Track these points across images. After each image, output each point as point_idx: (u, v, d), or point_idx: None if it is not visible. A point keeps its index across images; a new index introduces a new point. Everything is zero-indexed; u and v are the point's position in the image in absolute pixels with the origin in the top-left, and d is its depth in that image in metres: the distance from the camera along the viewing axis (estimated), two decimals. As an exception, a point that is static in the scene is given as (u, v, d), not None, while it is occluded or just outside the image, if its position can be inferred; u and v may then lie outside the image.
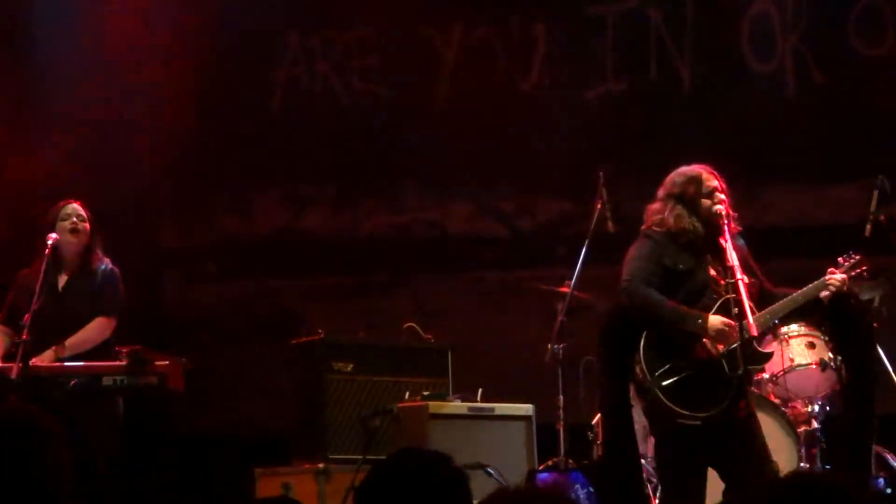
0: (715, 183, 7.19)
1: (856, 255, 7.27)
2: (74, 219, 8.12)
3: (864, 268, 7.27)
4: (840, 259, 7.27)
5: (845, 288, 7.19)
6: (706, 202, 7.14)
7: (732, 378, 6.98)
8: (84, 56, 10.80)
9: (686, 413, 6.99)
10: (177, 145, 11.03)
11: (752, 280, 7.09)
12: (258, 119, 11.42)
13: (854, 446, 6.50)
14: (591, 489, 7.58)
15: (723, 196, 7.16)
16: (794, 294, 7.16)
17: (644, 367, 7.02)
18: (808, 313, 7.74)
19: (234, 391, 11.04)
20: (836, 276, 7.14)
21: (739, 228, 7.26)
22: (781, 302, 7.15)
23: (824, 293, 7.13)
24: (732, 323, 6.99)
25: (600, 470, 7.99)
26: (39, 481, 3.47)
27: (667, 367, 6.99)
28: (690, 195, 7.16)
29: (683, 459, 7.04)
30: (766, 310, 7.10)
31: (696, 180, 7.18)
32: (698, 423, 7.00)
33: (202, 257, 11.71)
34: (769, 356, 7.25)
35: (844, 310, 7.45)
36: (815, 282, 7.17)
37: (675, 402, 6.99)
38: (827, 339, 8.85)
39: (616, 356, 7.17)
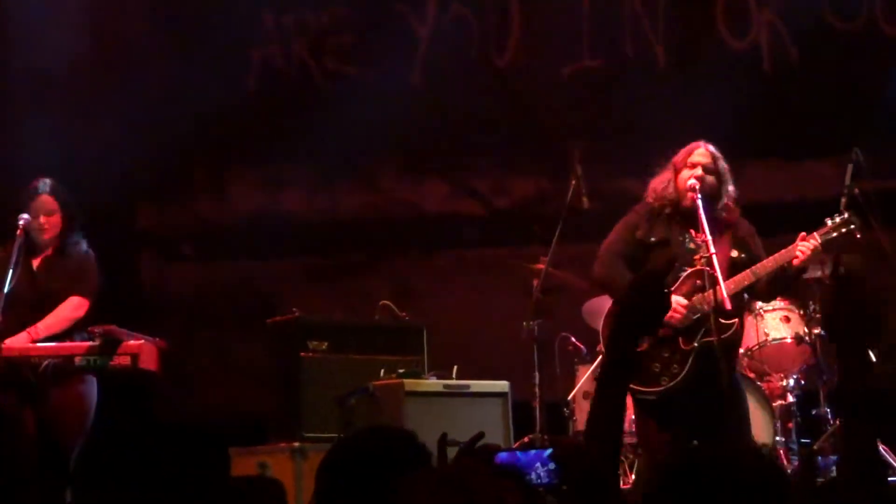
0: (700, 158, 7.19)
1: (844, 213, 7.16)
2: (42, 218, 8.03)
3: (852, 227, 7.12)
4: (827, 220, 7.16)
5: (818, 256, 7.09)
6: (685, 174, 7.16)
7: (689, 352, 6.98)
8: (62, 36, 10.75)
9: (639, 388, 7.03)
10: (152, 126, 11.00)
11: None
12: (233, 99, 11.37)
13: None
14: (553, 466, 7.58)
15: (699, 171, 7.15)
16: (756, 266, 7.08)
17: (601, 338, 7.10)
18: (785, 287, 7.60)
19: (211, 372, 11.03)
20: (805, 244, 7.04)
21: (737, 211, 7.22)
22: (745, 272, 7.08)
23: (795, 260, 7.05)
24: (686, 305, 7.01)
25: (564, 447, 8.00)
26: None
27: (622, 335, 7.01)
28: (676, 166, 7.21)
29: (657, 429, 7.05)
30: (731, 279, 7.05)
31: (687, 152, 7.23)
32: (653, 397, 7.04)
33: (178, 239, 11.69)
34: (730, 327, 7.09)
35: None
36: (788, 247, 7.10)
37: None
38: (802, 312, 8.86)
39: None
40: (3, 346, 7.78)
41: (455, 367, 8.94)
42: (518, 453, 6.36)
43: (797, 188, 10.58)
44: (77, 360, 7.84)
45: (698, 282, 7.03)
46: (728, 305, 6.93)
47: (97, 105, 10.74)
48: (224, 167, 11.70)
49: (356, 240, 11.52)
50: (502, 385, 8.90)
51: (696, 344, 7.00)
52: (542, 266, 8.95)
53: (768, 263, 7.08)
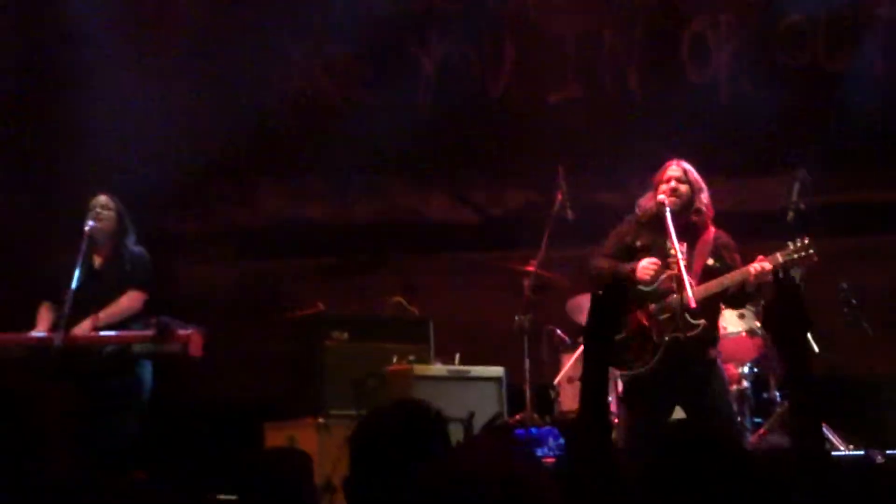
0: (671, 173, 7.23)
1: (805, 238, 7.07)
2: (98, 209, 8.17)
3: (811, 251, 7.02)
4: (789, 242, 7.08)
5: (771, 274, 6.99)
6: (662, 188, 7.26)
7: (659, 344, 7.06)
8: (113, 70, 10.80)
9: (614, 370, 7.17)
10: (193, 145, 11.05)
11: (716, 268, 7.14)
12: (263, 121, 11.39)
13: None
14: (562, 441, 7.65)
15: (670, 185, 7.22)
16: (722, 278, 7.06)
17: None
18: (746, 299, 7.56)
19: (242, 359, 11.05)
20: (758, 265, 7.01)
21: (709, 216, 7.26)
22: (710, 282, 7.07)
23: (750, 277, 6.99)
24: (658, 263, 7.08)
25: (570, 424, 8.07)
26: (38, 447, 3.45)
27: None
28: (655, 183, 7.31)
29: (637, 405, 7.17)
30: (702, 285, 7.09)
31: (662, 170, 7.31)
32: (626, 379, 7.17)
33: (212, 242, 11.72)
34: (697, 327, 7.06)
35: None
36: (745, 266, 7.07)
37: None
38: (755, 309, 8.88)
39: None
40: (70, 334, 7.89)
41: (458, 355, 9.01)
42: (532, 430, 6.43)
43: (749, 202, 10.60)
44: (134, 347, 7.94)
45: (673, 286, 7.09)
46: (693, 304, 6.97)
47: (148, 129, 10.79)
48: (255, 180, 11.71)
49: (368, 243, 11.50)
50: (498, 370, 8.98)
51: (665, 338, 7.06)
52: (531, 268, 9.02)
53: (731, 277, 7.05)
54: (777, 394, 9.02)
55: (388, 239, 11.48)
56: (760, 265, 7.01)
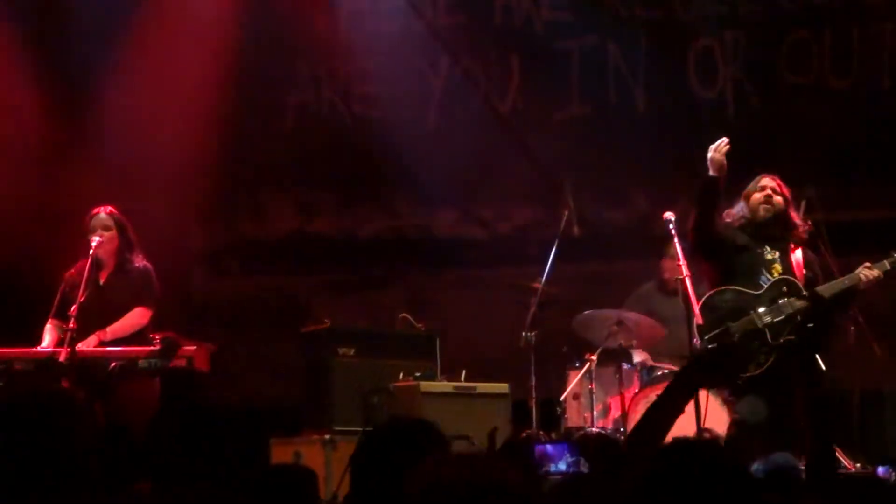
0: (767, 182, 7.51)
1: None
2: (100, 229, 8.14)
3: None
4: (892, 252, 7.26)
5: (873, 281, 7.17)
6: (756, 196, 7.46)
7: (775, 346, 7.05)
8: (129, 91, 10.77)
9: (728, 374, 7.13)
10: (204, 160, 11.01)
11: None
12: (274, 137, 11.40)
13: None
14: (577, 458, 7.55)
15: (764, 193, 7.44)
16: (835, 283, 7.18)
17: (696, 329, 7.14)
18: (846, 305, 7.59)
19: (253, 371, 11.02)
20: (869, 271, 7.17)
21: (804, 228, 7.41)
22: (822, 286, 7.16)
23: (860, 284, 7.15)
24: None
25: (586, 440, 8.01)
26: (70, 453, 3.40)
27: (718, 330, 7.07)
28: (746, 193, 7.54)
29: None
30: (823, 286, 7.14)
31: (755, 181, 7.58)
32: (739, 381, 7.11)
33: (225, 256, 11.69)
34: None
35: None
36: (854, 272, 7.20)
37: None
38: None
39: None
40: (76, 349, 7.83)
41: (464, 372, 8.94)
42: (549, 445, 6.32)
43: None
44: (140, 362, 7.88)
45: (784, 289, 7.15)
46: (700, 319, 6.99)
47: (158, 144, 10.76)
48: (264, 194, 11.70)
49: (376, 258, 11.49)
50: (503, 387, 8.91)
51: (781, 340, 7.07)
52: (538, 284, 8.96)
53: (842, 282, 7.17)
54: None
55: (395, 255, 11.44)
56: (869, 272, 7.18)
